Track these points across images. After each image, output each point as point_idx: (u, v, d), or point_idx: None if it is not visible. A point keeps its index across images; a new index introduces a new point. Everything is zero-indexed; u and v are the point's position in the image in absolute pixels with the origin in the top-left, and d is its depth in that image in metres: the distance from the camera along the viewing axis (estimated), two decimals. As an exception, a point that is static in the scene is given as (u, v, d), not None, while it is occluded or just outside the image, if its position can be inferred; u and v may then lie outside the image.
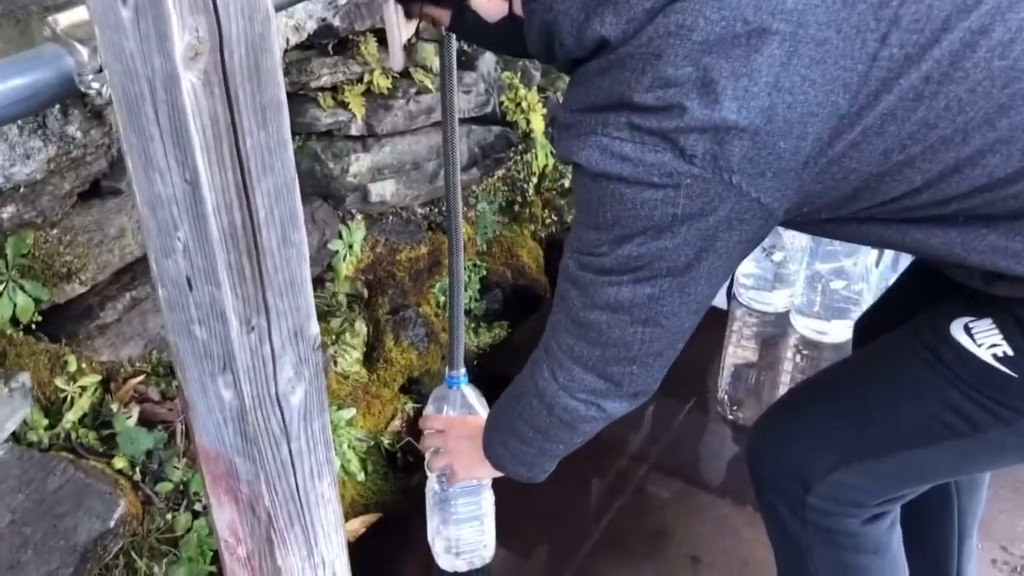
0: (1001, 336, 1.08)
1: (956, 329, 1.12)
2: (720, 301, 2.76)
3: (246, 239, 0.86)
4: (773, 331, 2.64)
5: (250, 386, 0.95)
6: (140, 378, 1.82)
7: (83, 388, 1.72)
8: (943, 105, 0.90)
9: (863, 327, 1.60)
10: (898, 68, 0.89)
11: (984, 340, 1.09)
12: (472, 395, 1.66)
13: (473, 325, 2.71)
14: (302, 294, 0.96)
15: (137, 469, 1.70)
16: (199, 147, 0.78)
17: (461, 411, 1.64)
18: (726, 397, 2.46)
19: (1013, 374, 1.08)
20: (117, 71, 0.79)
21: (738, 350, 2.61)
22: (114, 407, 1.72)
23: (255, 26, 0.79)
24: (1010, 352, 1.07)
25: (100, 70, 1.00)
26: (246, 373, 0.93)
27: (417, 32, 1.17)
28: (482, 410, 1.64)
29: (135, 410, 1.73)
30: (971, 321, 1.11)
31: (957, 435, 1.15)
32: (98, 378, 1.76)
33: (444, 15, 1.12)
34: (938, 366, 1.14)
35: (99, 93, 1.02)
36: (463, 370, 1.65)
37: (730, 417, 2.39)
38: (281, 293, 0.93)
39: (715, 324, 2.66)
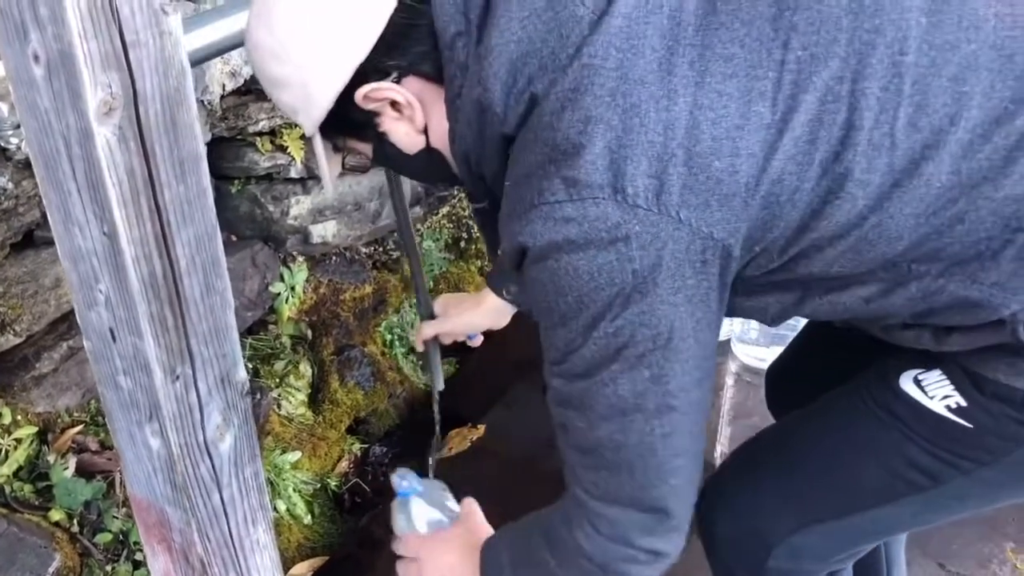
0: (952, 387, 1.08)
1: (906, 382, 1.12)
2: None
3: (167, 289, 0.87)
4: (715, 359, 2.68)
5: (177, 434, 0.95)
6: (78, 428, 1.80)
7: (18, 441, 1.70)
8: (863, 104, 0.91)
9: (774, 381, 1.62)
10: (808, 68, 0.91)
11: (936, 392, 1.09)
12: (434, 496, 1.48)
13: (421, 363, 2.71)
14: (228, 341, 0.96)
15: (75, 521, 1.67)
16: (116, 200, 0.79)
17: (429, 522, 1.44)
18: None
19: (968, 424, 1.07)
20: (32, 128, 0.80)
21: (683, 379, 2.64)
22: (51, 458, 1.70)
23: (170, 81, 0.81)
24: (963, 403, 1.07)
25: (19, 125, 1.00)
26: (172, 421, 0.94)
27: (343, 164, 1.20)
28: (453, 506, 1.47)
29: (72, 461, 1.71)
30: (920, 373, 1.11)
31: (919, 489, 1.14)
32: (34, 430, 1.74)
33: (367, 148, 1.13)
34: (892, 422, 1.14)
35: (18, 148, 1.03)
36: (410, 479, 1.48)
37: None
38: (206, 341, 0.93)
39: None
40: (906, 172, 0.93)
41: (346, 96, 1.01)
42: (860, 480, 1.19)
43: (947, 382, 1.09)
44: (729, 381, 2.61)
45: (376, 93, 1.01)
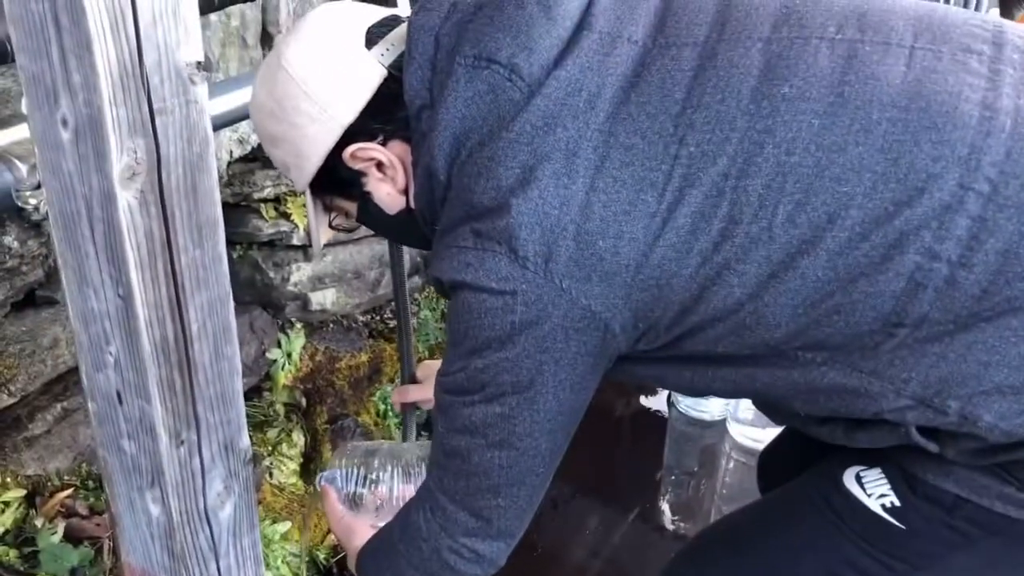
0: (889, 486, 1.09)
1: (848, 478, 1.14)
2: (661, 408, 2.79)
3: (178, 353, 0.87)
4: (711, 439, 2.67)
5: (178, 501, 0.94)
6: (68, 492, 1.77)
7: (6, 504, 1.67)
8: (744, 200, 0.96)
9: (765, 463, 1.62)
10: (698, 164, 0.97)
11: (874, 490, 1.11)
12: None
13: (413, 435, 2.69)
14: (234, 407, 0.96)
15: (59, 588, 1.63)
16: (133, 264, 0.80)
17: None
18: (667, 507, 2.46)
19: (901, 526, 1.08)
20: (55, 189, 0.81)
21: (679, 458, 2.63)
22: (39, 523, 1.67)
23: (193, 147, 0.82)
24: (897, 503, 1.08)
25: (38, 186, 1.01)
26: (174, 488, 0.93)
27: (330, 224, 1.27)
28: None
29: (60, 526, 1.68)
30: (863, 470, 1.13)
31: None
32: (23, 492, 1.71)
33: (352, 207, 1.22)
34: (831, 516, 1.15)
35: (36, 209, 1.04)
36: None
37: (671, 527, 2.39)
38: (212, 407, 0.93)
39: (656, 432, 2.69)
40: (782, 265, 0.97)
41: (335, 155, 1.11)
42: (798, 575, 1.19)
43: (885, 481, 1.10)
44: (724, 462, 2.60)
45: (362, 152, 1.10)
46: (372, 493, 1.51)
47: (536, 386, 1.03)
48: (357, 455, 1.55)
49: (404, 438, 1.85)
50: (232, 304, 0.91)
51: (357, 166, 1.13)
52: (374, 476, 1.52)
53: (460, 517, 1.13)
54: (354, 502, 1.51)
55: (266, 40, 2.05)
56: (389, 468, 1.53)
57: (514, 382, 1.03)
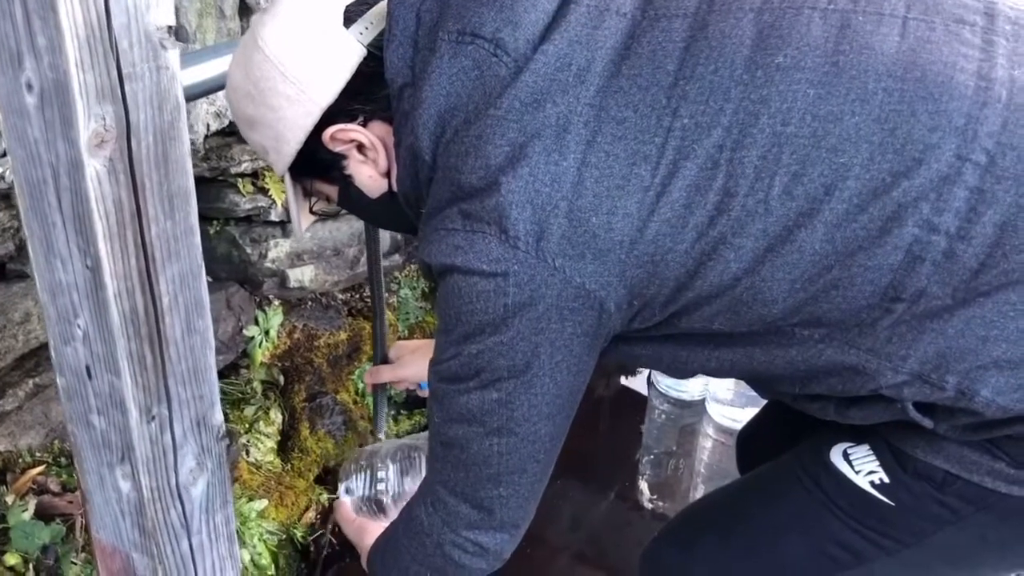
0: (878, 463, 1.09)
1: (835, 455, 1.14)
2: (641, 388, 2.79)
3: (148, 326, 0.85)
4: (690, 418, 2.68)
5: (149, 477, 0.92)
6: (39, 469, 1.74)
7: (-24, 480, 1.64)
8: (740, 172, 0.95)
9: (743, 442, 1.63)
10: (692, 136, 0.95)
11: (862, 467, 1.11)
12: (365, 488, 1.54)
13: (393, 412, 2.68)
14: (206, 382, 0.94)
15: (31, 566, 1.61)
16: (102, 234, 0.78)
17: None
18: (646, 486, 2.47)
19: (890, 502, 1.08)
20: (20, 157, 0.78)
21: (658, 438, 2.64)
22: (9, 500, 1.65)
23: (164, 115, 0.80)
24: (886, 479, 1.09)
25: (3, 155, 0.99)
26: (145, 464, 0.91)
27: (310, 208, 1.24)
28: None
29: (32, 503, 1.66)
30: (850, 447, 1.13)
31: (842, 567, 1.15)
32: (-7, 469, 1.69)
33: (333, 191, 1.19)
34: (818, 493, 1.15)
35: (1, 178, 1.02)
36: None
37: (649, 506, 2.39)
38: (184, 381, 0.91)
39: (635, 412, 2.69)
40: (779, 238, 0.96)
41: (314, 138, 1.08)
42: (785, 555, 1.19)
43: (873, 457, 1.10)
44: (703, 442, 2.61)
45: (342, 134, 1.08)
46: (385, 494, 1.50)
47: (533, 369, 1.01)
48: (363, 458, 1.54)
49: (375, 419, 1.84)
50: (204, 276, 0.90)
51: (337, 148, 1.10)
52: (379, 476, 1.52)
53: (462, 510, 1.12)
54: (375, 506, 1.51)
55: (244, 11, 2.02)
56: (389, 464, 1.52)
57: (510, 366, 1.00)
